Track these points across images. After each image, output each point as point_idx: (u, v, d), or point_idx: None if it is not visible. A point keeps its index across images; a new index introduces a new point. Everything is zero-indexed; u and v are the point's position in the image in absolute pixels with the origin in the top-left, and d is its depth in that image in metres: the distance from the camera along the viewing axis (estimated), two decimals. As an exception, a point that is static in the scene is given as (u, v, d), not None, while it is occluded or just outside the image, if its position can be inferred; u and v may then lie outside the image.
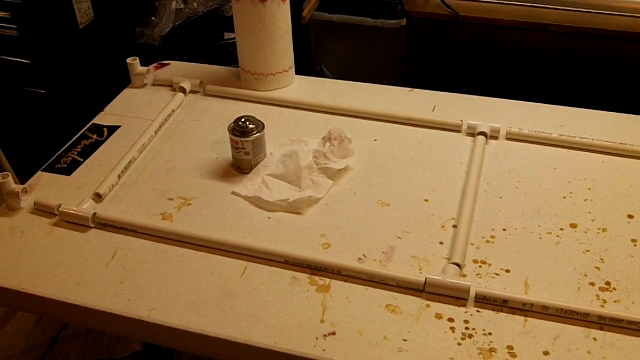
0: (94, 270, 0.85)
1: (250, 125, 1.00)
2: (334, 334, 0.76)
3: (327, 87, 1.25)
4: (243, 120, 1.00)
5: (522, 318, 0.77)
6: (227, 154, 1.04)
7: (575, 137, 1.07)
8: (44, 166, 1.04)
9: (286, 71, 1.23)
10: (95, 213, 0.92)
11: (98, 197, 0.96)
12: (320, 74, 1.83)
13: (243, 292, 0.82)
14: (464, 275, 0.83)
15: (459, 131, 1.10)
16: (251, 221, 0.93)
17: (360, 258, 0.86)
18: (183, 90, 1.22)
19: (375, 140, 1.09)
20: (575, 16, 1.57)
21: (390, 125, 1.13)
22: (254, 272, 0.85)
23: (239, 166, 1.02)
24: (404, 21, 1.64)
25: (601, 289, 0.81)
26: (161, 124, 1.13)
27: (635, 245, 0.88)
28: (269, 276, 0.84)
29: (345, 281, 0.83)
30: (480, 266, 0.85)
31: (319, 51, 1.86)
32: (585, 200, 0.96)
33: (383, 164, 1.04)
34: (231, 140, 1.00)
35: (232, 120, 1.01)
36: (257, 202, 0.96)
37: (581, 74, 1.66)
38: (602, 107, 1.17)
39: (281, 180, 0.99)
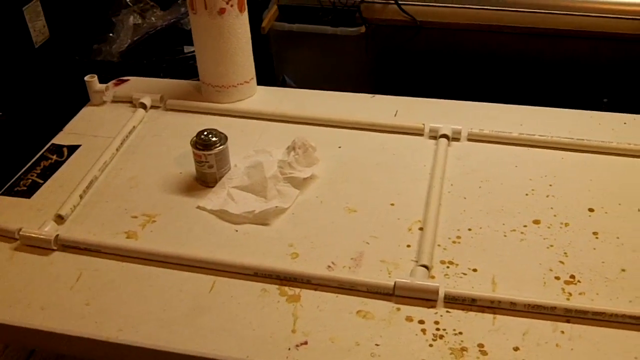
0: (59, 294, 0.83)
1: (213, 138, 0.99)
2: (306, 343, 0.76)
3: (290, 97, 1.25)
4: (205, 133, 1.00)
5: (491, 316, 0.78)
6: (191, 168, 1.03)
7: (534, 135, 1.09)
8: (2, 190, 1.02)
9: (248, 82, 1.23)
10: (57, 235, 0.90)
11: (60, 219, 0.95)
12: (283, 84, 1.83)
13: (213, 307, 0.81)
14: (432, 277, 0.84)
15: (421, 134, 1.11)
16: (218, 235, 0.92)
17: (329, 266, 0.86)
18: (144, 106, 1.20)
19: (339, 147, 1.10)
20: (531, 17, 1.60)
21: (354, 132, 1.14)
22: (223, 286, 0.84)
23: (204, 180, 1.02)
24: (363, 28, 1.65)
25: (566, 282, 0.83)
26: (122, 141, 1.11)
27: (597, 238, 0.90)
28: (238, 289, 0.83)
29: (316, 290, 0.83)
30: (447, 267, 0.85)
31: (281, 61, 1.86)
32: (547, 196, 0.97)
33: (348, 171, 1.04)
34: (194, 154, 1.00)
35: (195, 134, 1.00)
36: (223, 215, 0.95)
37: (538, 74, 1.69)
38: (560, 104, 1.20)
39: (247, 192, 0.98)
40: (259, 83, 1.27)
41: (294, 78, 1.82)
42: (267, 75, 1.79)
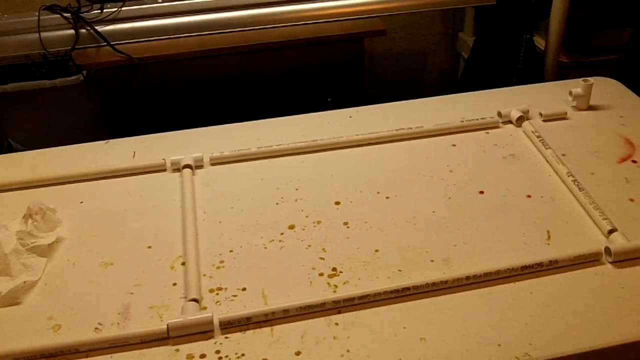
0: None
1: None
2: (87, 417, 0.70)
3: (17, 161, 1.16)
4: None
5: (268, 329, 0.80)
6: None
7: (272, 146, 1.14)
8: None
9: (-39, 157, 1.11)
10: None
11: None
12: (9, 149, 1.68)
13: (-30, 413, 0.71)
14: (204, 308, 0.83)
15: (164, 170, 1.10)
16: (-38, 332, 0.82)
17: (96, 328, 0.81)
18: None
19: (81, 202, 1.04)
20: (245, 35, 1.66)
21: (94, 183, 1.08)
22: (-21, 386, 0.75)
23: None
24: (82, 76, 1.58)
25: (330, 276, 0.87)
26: None
27: (348, 227, 0.96)
28: (-2, 384, 0.75)
29: (87, 357, 0.77)
30: (217, 294, 0.85)
31: (2, 126, 1.71)
32: (296, 200, 1.02)
33: (96, 225, 0.99)
34: None
35: None
36: (-37, 308, 0.85)
37: (264, 87, 1.77)
38: (290, 112, 1.26)
39: (-14, 276, 0.89)
40: (-22, 154, 1.15)
41: (21, 140, 1.68)
42: (-12, 144, 1.63)
